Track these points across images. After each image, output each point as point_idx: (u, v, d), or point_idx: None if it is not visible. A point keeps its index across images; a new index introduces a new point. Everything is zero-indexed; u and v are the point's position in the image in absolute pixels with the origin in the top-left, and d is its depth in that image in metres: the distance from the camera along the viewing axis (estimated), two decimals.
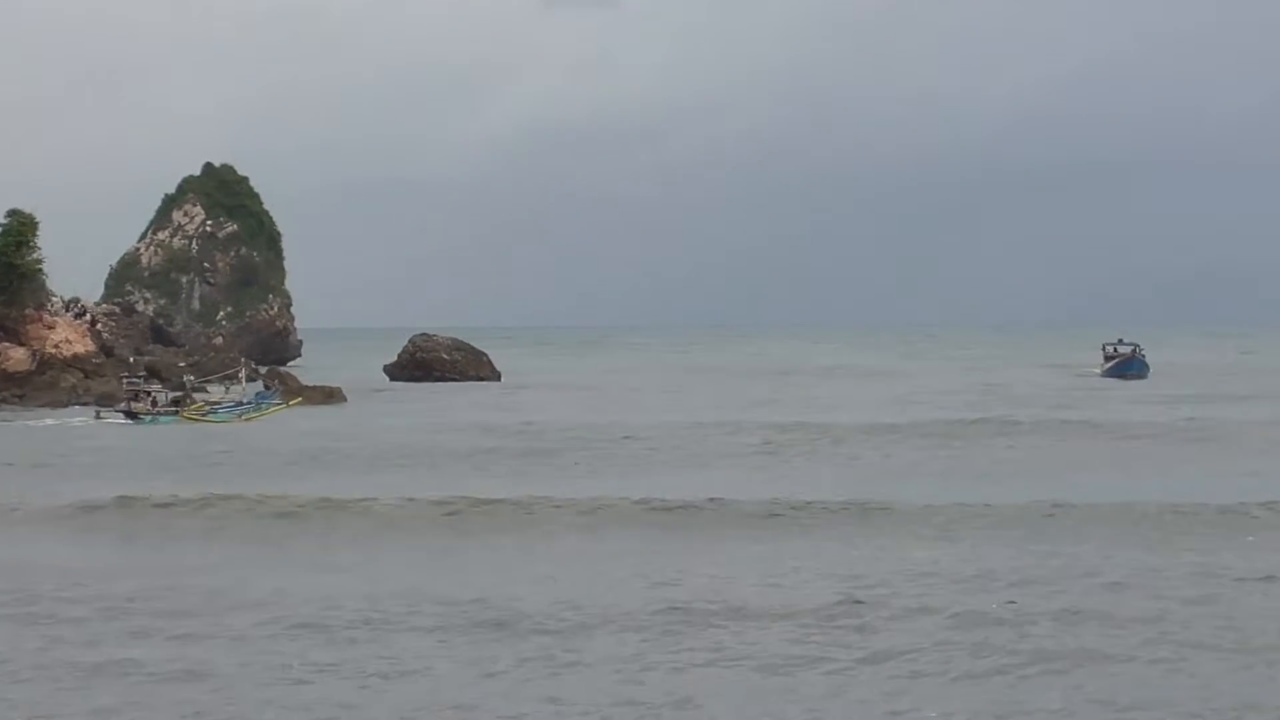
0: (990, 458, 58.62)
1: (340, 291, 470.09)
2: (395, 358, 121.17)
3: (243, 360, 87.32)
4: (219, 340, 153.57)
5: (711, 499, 41.66)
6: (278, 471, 52.80)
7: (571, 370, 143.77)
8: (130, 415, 77.96)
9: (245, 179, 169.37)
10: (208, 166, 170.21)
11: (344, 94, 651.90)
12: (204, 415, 78.43)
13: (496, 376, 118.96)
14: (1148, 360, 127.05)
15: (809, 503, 41.17)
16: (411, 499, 42.12)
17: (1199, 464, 56.17)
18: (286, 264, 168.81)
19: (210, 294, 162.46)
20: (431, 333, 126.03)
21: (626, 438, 65.46)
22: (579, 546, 35.56)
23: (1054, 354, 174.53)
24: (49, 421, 78.16)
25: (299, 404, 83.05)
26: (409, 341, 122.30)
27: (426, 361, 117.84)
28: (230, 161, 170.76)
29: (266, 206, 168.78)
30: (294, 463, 56.49)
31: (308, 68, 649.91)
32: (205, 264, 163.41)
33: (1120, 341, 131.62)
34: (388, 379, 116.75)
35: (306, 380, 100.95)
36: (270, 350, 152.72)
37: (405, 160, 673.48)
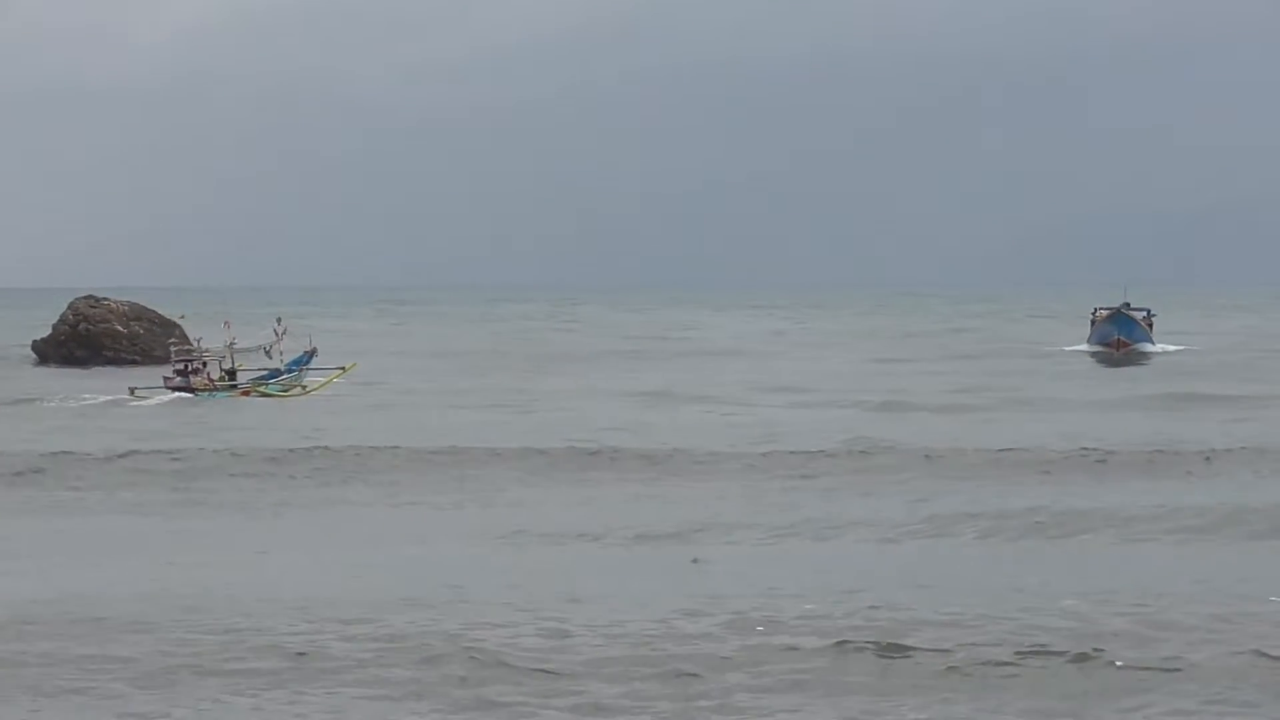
0: None
1: None
2: (50, 330, 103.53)
3: (278, 319, 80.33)
4: None
5: None
6: None
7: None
8: (187, 390, 72.63)
9: None
10: None
11: None
12: (256, 387, 74.95)
13: None
14: (1153, 322, 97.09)
15: None
16: None
17: None
18: None
19: None
20: (104, 295, 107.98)
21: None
22: None
23: (1007, 328, 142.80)
24: (99, 399, 67.98)
25: (355, 368, 78.09)
26: (68, 307, 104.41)
27: (93, 336, 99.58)
28: None
29: None
30: None
31: None
32: None
33: (1126, 306, 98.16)
34: (35, 359, 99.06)
35: None
36: None
37: (71, 61, 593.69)
